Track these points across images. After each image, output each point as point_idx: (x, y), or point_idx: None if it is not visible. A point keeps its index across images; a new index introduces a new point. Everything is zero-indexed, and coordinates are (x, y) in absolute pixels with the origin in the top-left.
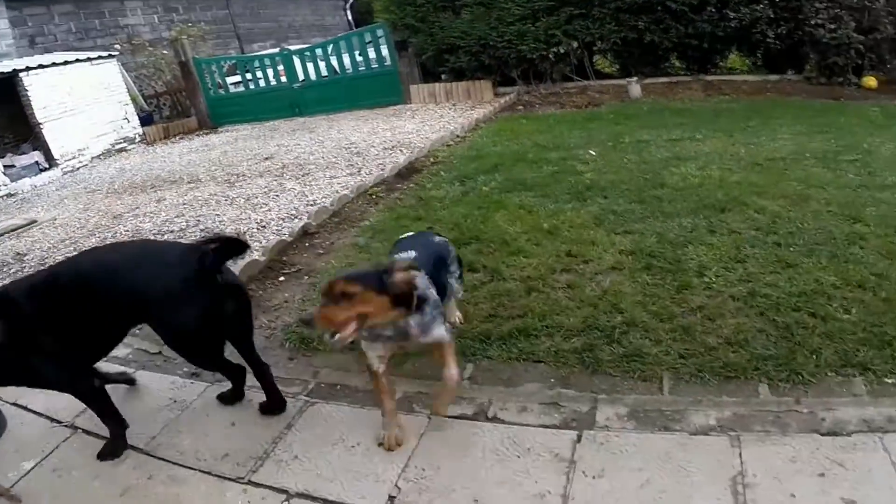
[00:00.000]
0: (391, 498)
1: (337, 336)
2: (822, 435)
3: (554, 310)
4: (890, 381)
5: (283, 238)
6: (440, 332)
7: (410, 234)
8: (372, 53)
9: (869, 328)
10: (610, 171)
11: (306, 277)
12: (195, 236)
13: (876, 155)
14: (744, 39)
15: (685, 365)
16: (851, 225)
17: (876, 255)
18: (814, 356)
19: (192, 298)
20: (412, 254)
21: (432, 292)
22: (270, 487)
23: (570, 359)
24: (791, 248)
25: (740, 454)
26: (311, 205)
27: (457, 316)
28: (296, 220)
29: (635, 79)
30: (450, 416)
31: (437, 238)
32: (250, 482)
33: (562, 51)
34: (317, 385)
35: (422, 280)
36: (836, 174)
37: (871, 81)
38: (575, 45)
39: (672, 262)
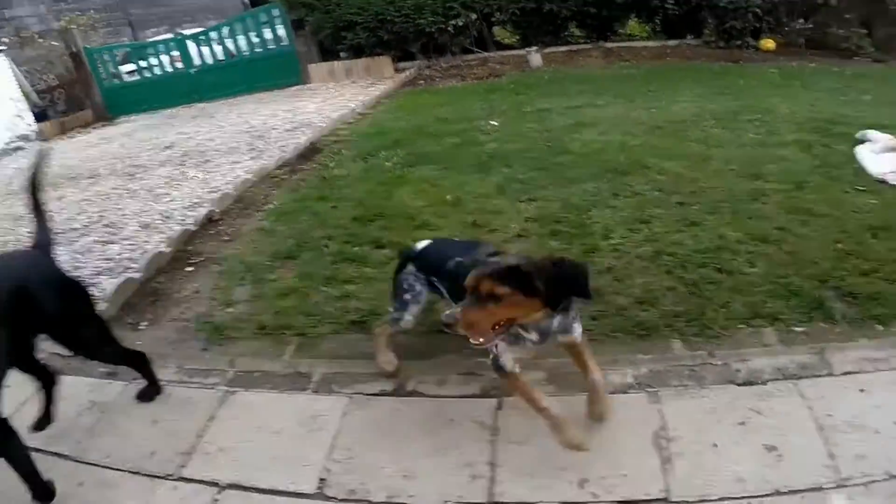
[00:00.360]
0: (322, 480)
1: (481, 340)
2: (739, 385)
3: None
4: (799, 329)
5: (188, 227)
6: (579, 331)
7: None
8: (268, 34)
9: (775, 280)
10: (512, 140)
11: (215, 266)
12: (99, 233)
13: (775, 114)
14: (642, 6)
15: (598, 326)
16: (752, 182)
17: (777, 209)
18: (723, 310)
19: None
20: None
21: None
22: (201, 481)
23: None
24: (694, 207)
25: (660, 409)
26: (214, 192)
27: None
28: (199, 209)
29: (535, 48)
30: (369, 394)
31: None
32: (180, 478)
33: (460, 23)
34: (235, 374)
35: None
36: (736, 134)
37: (769, 44)
38: (473, 16)
39: (577, 227)
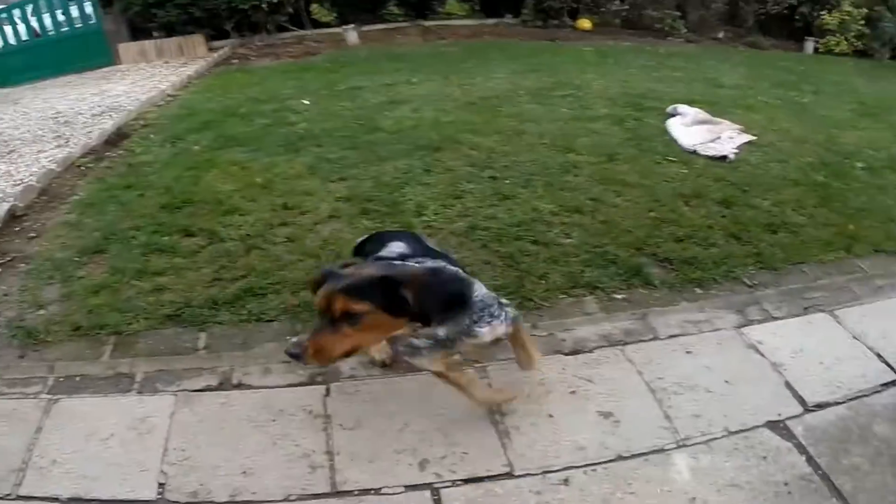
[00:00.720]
0: (161, 485)
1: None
2: (566, 355)
3: (277, 265)
4: (620, 296)
5: None
6: (493, 330)
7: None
8: (75, 12)
9: (591, 249)
10: (323, 119)
11: (22, 265)
12: None
13: (588, 90)
14: None
15: None
16: (565, 155)
17: (590, 181)
18: (542, 281)
19: None
20: (399, 246)
21: (478, 286)
22: (41, 498)
23: (301, 313)
24: (507, 181)
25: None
26: (18, 184)
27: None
28: (2, 204)
29: (352, 26)
30: (194, 391)
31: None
32: (18, 497)
33: (275, 0)
34: (55, 380)
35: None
36: (549, 109)
37: (585, 23)
38: None
39: (389, 205)
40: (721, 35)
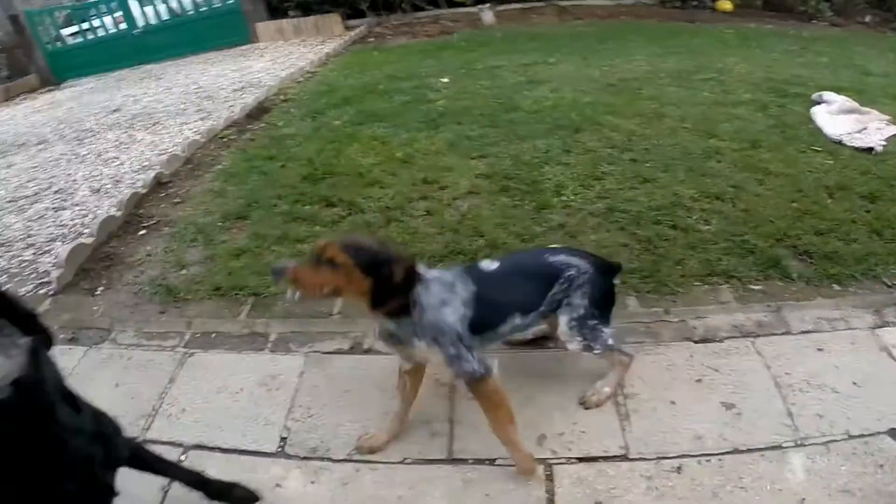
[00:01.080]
0: (283, 439)
1: (297, 295)
2: (696, 342)
3: (416, 237)
4: (755, 287)
5: (138, 191)
6: (432, 353)
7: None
8: None
9: (730, 237)
10: (463, 97)
11: (166, 228)
12: (50, 200)
13: (730, 74)
14: None
15: None
16: (707, 140)
17: (732, 167)
18: (678, 267)
19: None
20: (493, 265)
21: (446, 312)
22: (165, 442)
23: None
24: (648, 164)
25: None
26: (163, 154)
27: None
28: (149, 172)
29: (488, 5)
30: (325, 353)
31: (557, 258)
32: (145, 440)
33: None
34: (192, 335)
35: (428, 289)
36: (690, 93)
37: (725, 5)
38: None
39: (529, 184)
40: (868, 19)
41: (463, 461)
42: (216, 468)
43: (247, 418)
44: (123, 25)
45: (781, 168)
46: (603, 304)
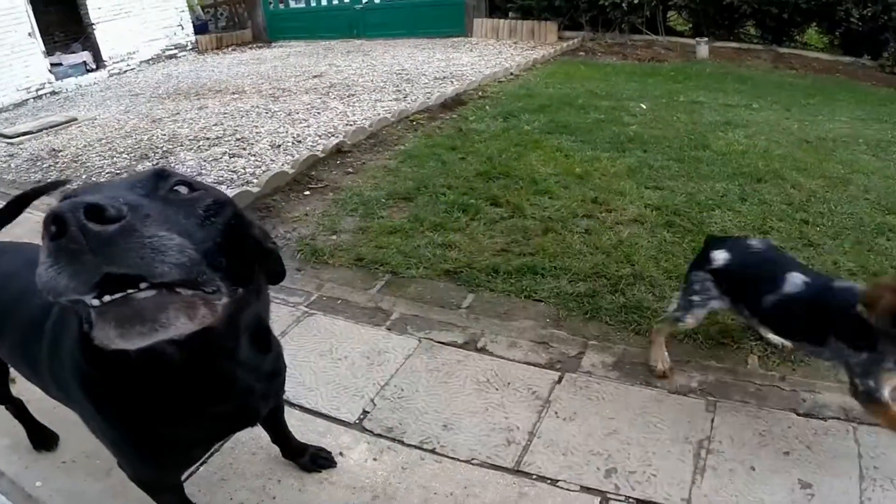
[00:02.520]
0: (364, 412)
1: None
2: (799, 415)
3: (566, 252)
4: None
5: (316, 153)
6: None
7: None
8: None
9: None
10: (656, 126)
11: (331, 194)
12: (230, 146)
13: None
14: (826, 15)
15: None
16: (884, 216)
17: None
18: None
19: None
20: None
21: None
22: None
23: (570, 302)
24: (817, 228)
25: (713, 419)
26: (350, 125)
27: None
28: (332, 138)
29: (705, 39)
30: (438, 342)
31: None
32: None
33: (636, 1)
34: (319, 297)
35: None
36: (883, 163)
37: None
38: None
39: (695, 223)
40: None
41: (526, 475)
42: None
43: (339, 385)
44: None
45: None
46: None
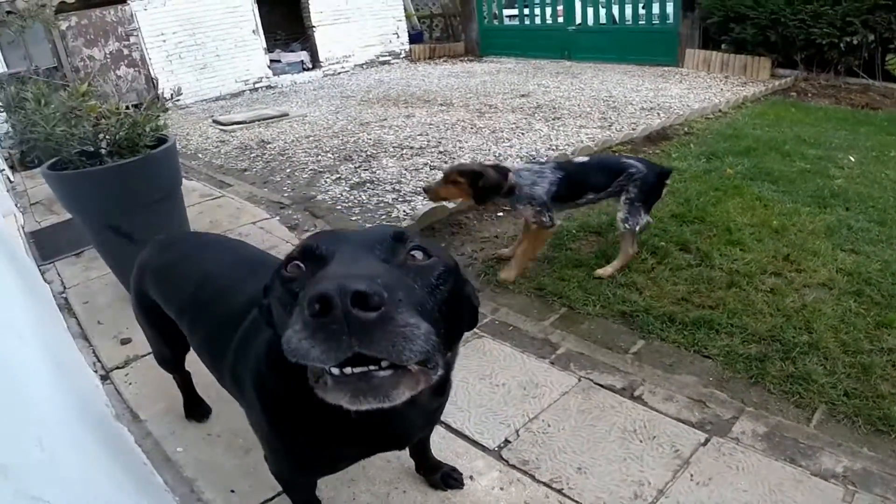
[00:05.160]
0: (506, 441)
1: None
2: (828, 481)
3: (746, 310)
4: None
5: None
6: (525, 212)
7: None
8: (656, 8)
9: None
10: (863, 182)
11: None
12: (432, 157)
13: None
14: None
15: (845, 404)
16: None
17: None
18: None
19: None
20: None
21: (535, 188)
22: None
23: (738, 363)
24: None
25: None
26: (553, 149)
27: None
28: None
29: None
30: (597, 384)
31: (627, 160)
32: None
33: (854, 42)
34: (491, 321)
35: (521, 176)
36: None
37: None
38: (871, 37)
39: (886, 295)
40: None
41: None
42: (431, 440)
43: (489, 410)
44: (561, 20)
45: None
46: (649, 197)
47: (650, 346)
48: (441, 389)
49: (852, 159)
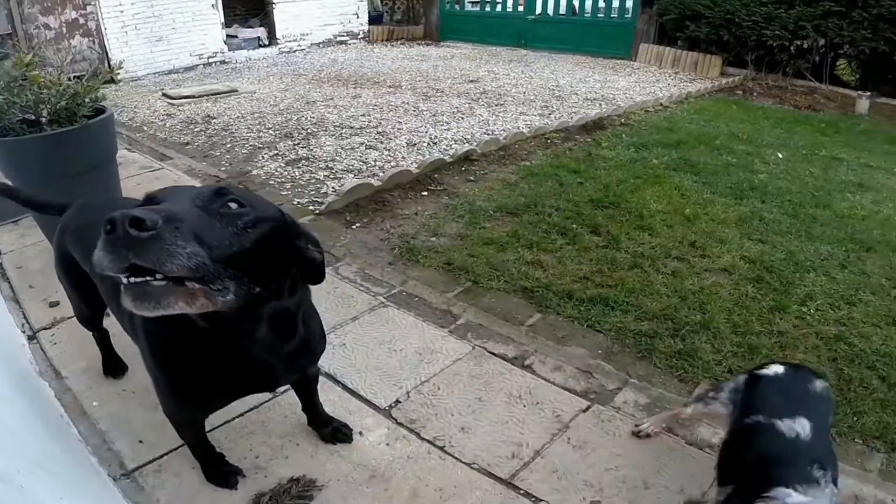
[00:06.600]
0: (397, 401)
1: None
2: None
3: (644, 290)
4: None
5: (444, 158)
6: None
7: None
8: (616, 2)
9: None
10: (785, 177)
11: (445, 198)
12: (369, 137)
13: None
14: None
15: (728, 379)
16: None
17: None
18: (854, 417)
19: None
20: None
21: None
22: None
23: (627, 338)
24: None
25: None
26: (487, 134)
27: None
28: (465, 145)
29: (867, 94)
30: (489, 352)
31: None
32: None
33: (805, 45)
34: (399, 291)
35: None
36: None
37: None
38: (821, 42)
39: (782, 283)
40: None
41: (516, 488)
42: (326, 399)
43: (384, 373)
44: (521, 9)
45: None
46: None
47: (546, 319)
48: (286, 332)
49: (780, 156)
